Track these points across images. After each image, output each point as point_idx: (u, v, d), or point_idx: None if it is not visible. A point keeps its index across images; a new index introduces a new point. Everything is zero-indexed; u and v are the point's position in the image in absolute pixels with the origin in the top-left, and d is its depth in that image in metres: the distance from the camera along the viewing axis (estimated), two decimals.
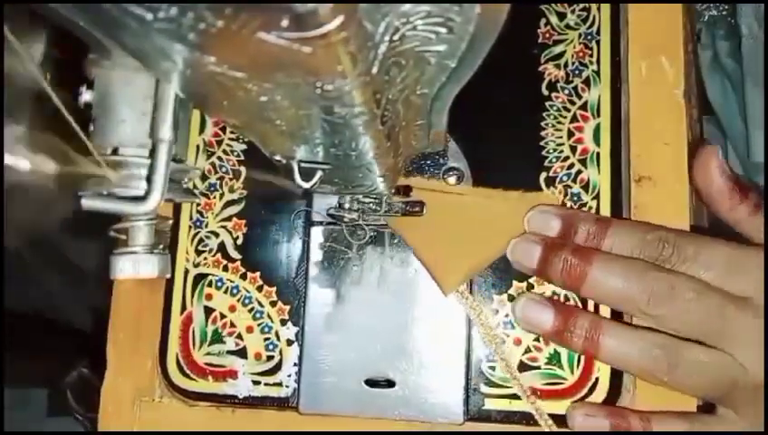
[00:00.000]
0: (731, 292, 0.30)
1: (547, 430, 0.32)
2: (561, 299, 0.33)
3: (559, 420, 0.32)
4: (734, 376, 0.29)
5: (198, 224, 0.36)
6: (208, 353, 0.34)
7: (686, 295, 0.29)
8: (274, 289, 0.35)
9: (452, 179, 0.35)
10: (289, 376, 0.34)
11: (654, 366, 0.30)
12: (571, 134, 0.35)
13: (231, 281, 0.35)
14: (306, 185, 0.27)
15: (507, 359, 0.33)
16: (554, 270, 0.31)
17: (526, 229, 0.33)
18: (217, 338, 0.35)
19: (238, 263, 0.35)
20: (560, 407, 0.33)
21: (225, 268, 0.35)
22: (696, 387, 0.30)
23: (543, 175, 0.34)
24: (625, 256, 0.31)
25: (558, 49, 0.35)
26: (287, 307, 0.35)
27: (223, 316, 0.35)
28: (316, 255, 0.35)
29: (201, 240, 0.35)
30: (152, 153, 0.26)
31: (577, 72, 0.35)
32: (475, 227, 0.34)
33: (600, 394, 0.33)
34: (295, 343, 0.34)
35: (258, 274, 0.35)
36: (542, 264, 0.32)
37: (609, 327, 0.31)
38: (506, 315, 0.34)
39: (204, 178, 0.36)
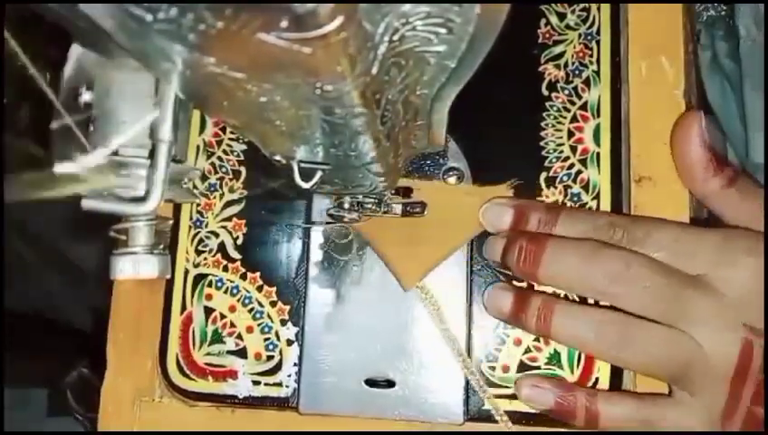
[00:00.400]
0: (684, 271, 0.29)
1: (506, 429, 0.32)
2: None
3: (553, 420, 0.32)
4: (689, 355, 0.29)
5: (198, 224, 0.36)
6: (208, 353, 0.34)
7: (641, 273, 0.29)
8: (274, 289, 0.35)
9: (452, 179, 0.35)
10: (289, 376, 0.34)
11: (605, 344, 0.29)
12: (571, 134, 0.35)
13: (231, 281, 0.35)
14: (306, 185, 0.27)
15: (465, 357, 0.33)
16: (511, 259, 0.31)
17: (482, 222, 0.33)
18: (217, 338, 0.35)
19: (238, 263, 0.35)
20: None
21: (225, 268, 0.35)
22: (649, 365, 0.30)
23: (543, 175, 0.34)
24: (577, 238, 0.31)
25: (558, 49, 0.35)
26: (287, 307, 0.35)
27: (223, 316, 0.35)
28: (316, 255, 0.35)
29: (201, 240, 0.35)
30: (152, 154, 0.26)
31: (577, 72, 0.35)
32: (434, 221, 0.34)
33: None
34: (295, 343, 0.34)
35: (258, 274, 0.35)
36: (502, 256, 0.32)
37: (561, 306, 0.31)
38: None
39: (204, 178, 0.36)
